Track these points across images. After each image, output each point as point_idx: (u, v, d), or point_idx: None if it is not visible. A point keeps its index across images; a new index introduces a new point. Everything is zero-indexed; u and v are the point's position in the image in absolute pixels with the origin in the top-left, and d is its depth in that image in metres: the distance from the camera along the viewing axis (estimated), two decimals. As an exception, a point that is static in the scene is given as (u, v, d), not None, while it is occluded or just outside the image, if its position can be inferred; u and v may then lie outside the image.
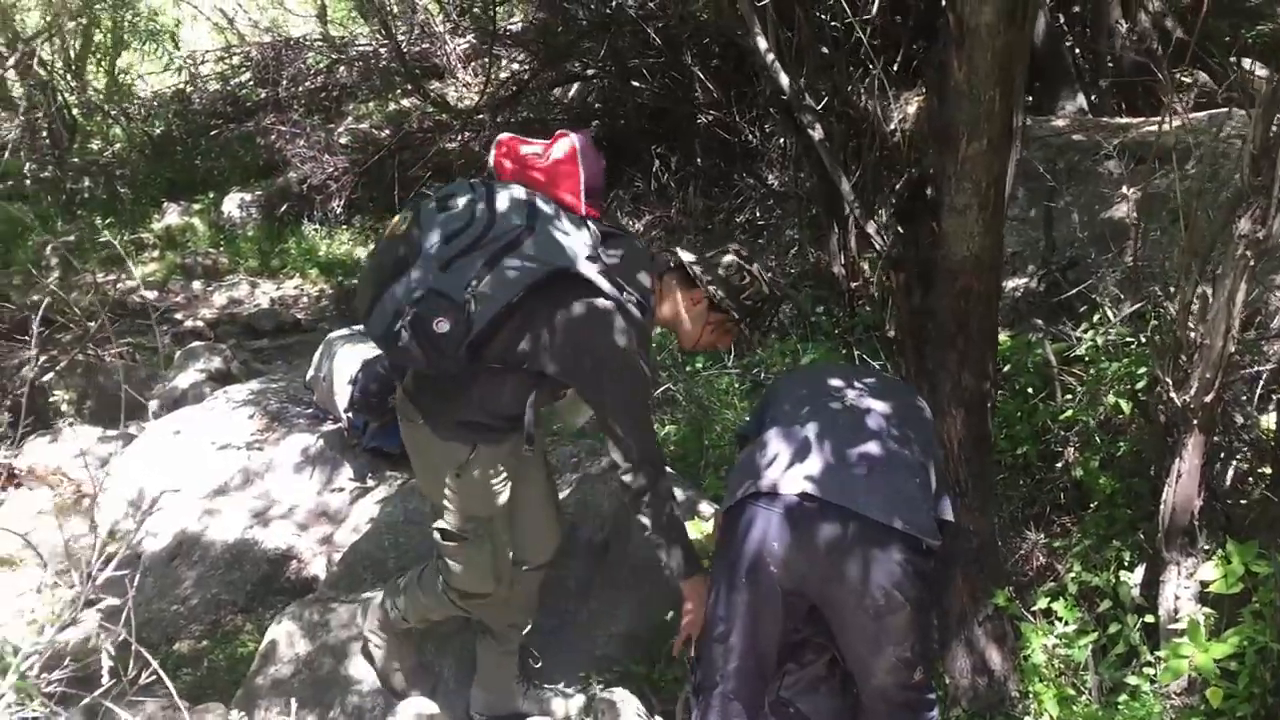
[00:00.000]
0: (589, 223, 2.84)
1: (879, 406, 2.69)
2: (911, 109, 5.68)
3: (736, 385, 4.91)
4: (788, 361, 4.77)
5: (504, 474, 2.87)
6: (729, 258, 2.94)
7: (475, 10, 10.48)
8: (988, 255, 3.04)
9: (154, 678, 2.30)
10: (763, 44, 4.15)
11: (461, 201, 2.69)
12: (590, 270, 2.70)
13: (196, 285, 9.42)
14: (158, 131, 11.93)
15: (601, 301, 2.69)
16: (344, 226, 10.19)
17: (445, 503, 2.89)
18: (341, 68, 11.06)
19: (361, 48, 11.14)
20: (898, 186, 3.83)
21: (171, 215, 10.73)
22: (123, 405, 4.99)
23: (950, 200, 2.97)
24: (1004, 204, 3.08)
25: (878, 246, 3.46)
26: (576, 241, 2.74)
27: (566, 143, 2.98)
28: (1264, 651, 2.62)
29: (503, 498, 2.90)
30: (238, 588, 4.34)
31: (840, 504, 2.36)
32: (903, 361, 3.45)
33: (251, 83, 11.57)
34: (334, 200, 9.99)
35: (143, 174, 11.41)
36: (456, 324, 2.55)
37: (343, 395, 4.72)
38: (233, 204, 10.82)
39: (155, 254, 10.03)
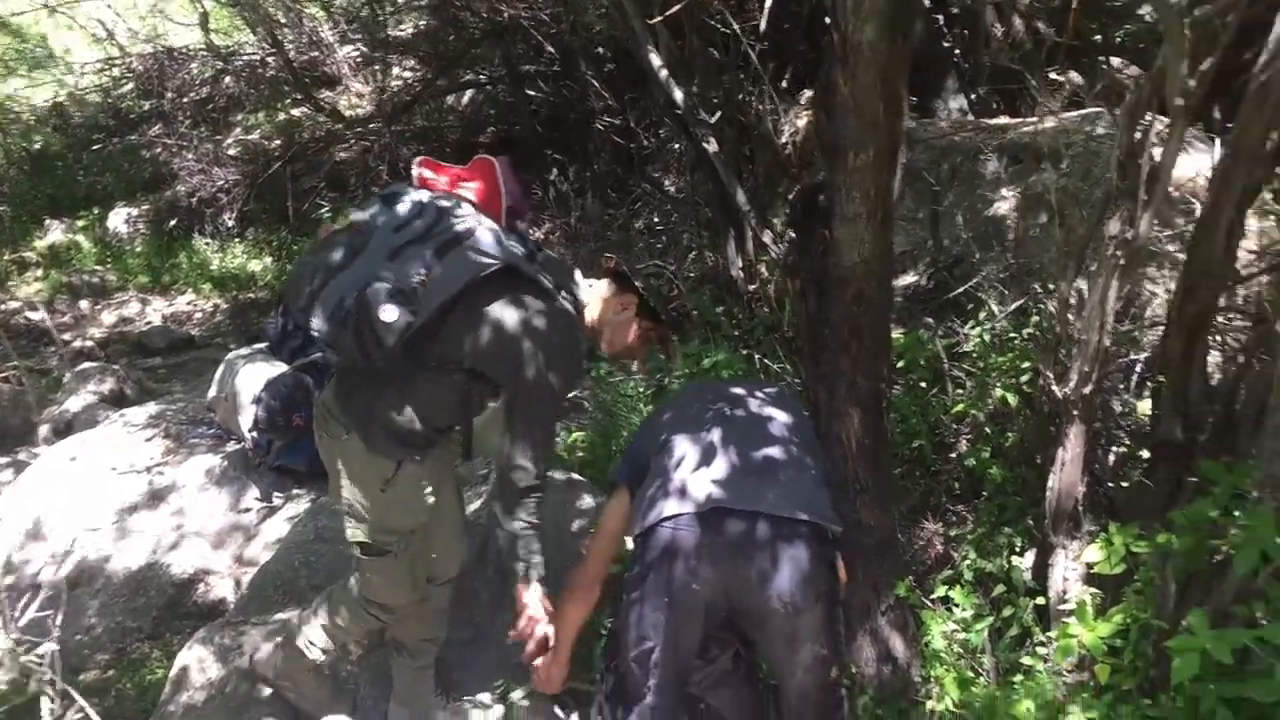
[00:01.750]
0: (517, 235, 2.94)
1: (776, 413, 2.79)
2: (802, 122, 5.82)
3: (642, 390, 4.98)
4: (691, 367, 4.84)
5: (429, 487, 2.88)
6: (655, 268, 3.05)
7: (364, 17, 10.38)
8: (878, 262, 3.16)
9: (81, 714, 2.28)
10: (655, 60, 4.23)
11: (408, 198, 2.75)
12: (531, 270, 2.77)
13: (84, 304, 9.16)
14: (36, 146, 11.54)
15: (544, 300, 2.74)
16: (237, 239, 10.00)
17: (367, 516, 2.87)
18: (227, 77, 10.83)
19: (248, 57, 10.92)
20: (791, 197, 3.93)
21: (54, 232, 10.42)
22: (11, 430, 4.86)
23: (841, 210, 3.08)
24: (892, 211, 3.20)
25: (774, 254, 3.57)
26: (514, 246, 2.82)
27: (487, 164, 3.06)
28: (1146, 627, 2.78)
29: (426, 511, 2.91)
30: (143, 614, 4.28)
31: (749, 509, 2.43)
32: (801, 364, 3.55)
33: (135, 94, 11.26)
34: (225, 213, 9.81)
35: (22, 191, 11.03)
36: (402, 313, 2.55)
37: (247, 415, 4.68)
38: (119, 219, 10.55)
39: (39, 273, 9.73)
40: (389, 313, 2.53)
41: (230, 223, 9.90)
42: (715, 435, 2.67)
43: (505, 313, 2.69)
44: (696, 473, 2.55)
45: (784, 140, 4.97)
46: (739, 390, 2.91)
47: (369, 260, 2.62)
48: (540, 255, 2.94)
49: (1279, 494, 2.61)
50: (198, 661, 3.46)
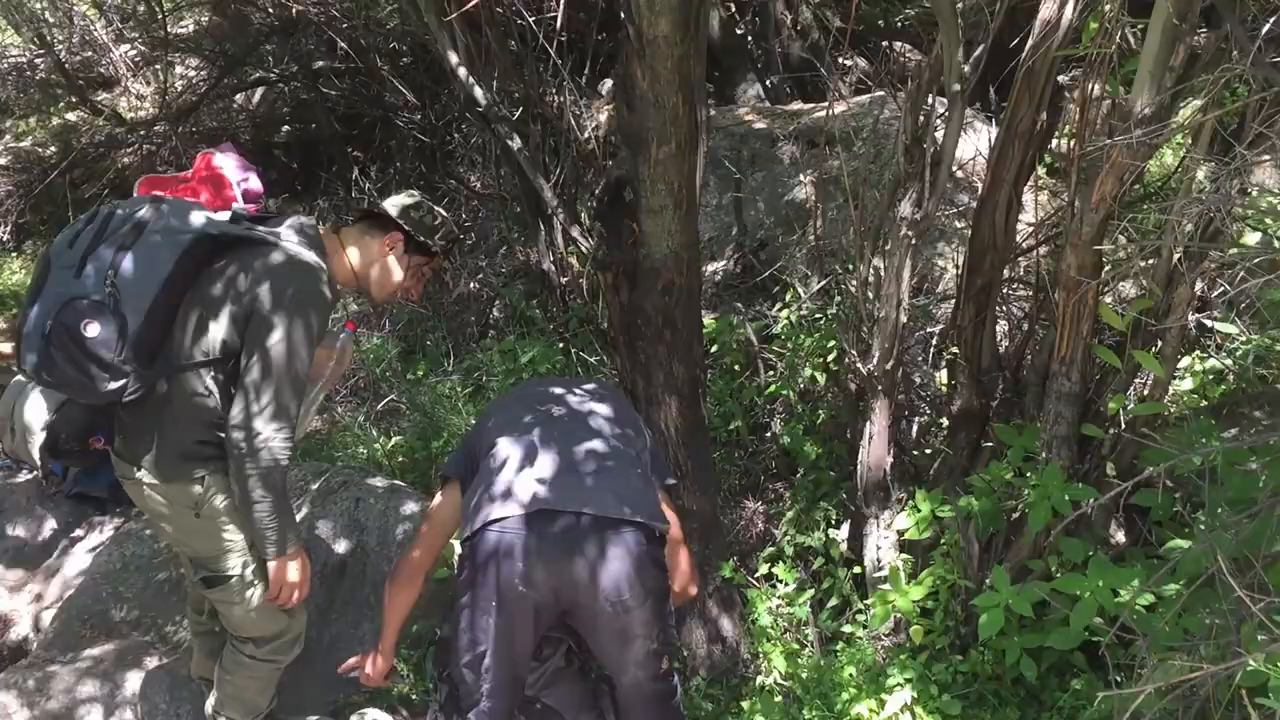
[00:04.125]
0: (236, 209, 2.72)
1: (597, 408, 2.80)
2: (604, 116, 5.85)
3: (460, 390, 4.92)
4: (509, 363, 4.83)
5: None
6: (412, 199, 2.89)
7: (139, 15, 9.83)
8: (686, 251, 3.22)
9: None
10: (454, 58, 4.17)
11: (85, 214, 2.55)
12: (240, 230, 2.57)
13: None
14: None
15: (269, 251, 2.54)
16: (14, 254, 9.34)
17: (196, 548, 2.70)
18: (-9, 82, 10.10)
19: (13, 59, 10.20)
20: (597, 191, 3.96)
21: None
22: None
23: (646, 202, 3.11)
24: (696, 201, 3.26)
25: (584, 248, 3.58)
26: (216, 216, 2.62)
27: (204, 157, 2.93)
28: (954, 588, 2.94)
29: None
30: (-67, 663, 3.97)
31: (573, 509, 2.43)
32: (618, 355, 3.58)
33: (-118, 103, 10.36)
34: (-1, 226, 9.15)
35: None
36: (105, 323, 2.37)
37: (37, 441, 4.39)
38: (-124, 238, 9.68)
39: None
40: (93, 328, 2.36)
41: (4, 237, 9.23)
42: (538, 436, 2.65)
43: (229, 283, 2.50)
44: (521, 474, 2.53)
45: (587, 135, 4.98)
46: (560, 389, 2.88)
47: (53, 283, 2.41)
48: (259, 217, 2.71)
49: (1064, 453, 2.81)
50: (1, 709, 3.23)
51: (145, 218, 2.49)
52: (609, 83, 6.75)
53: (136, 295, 2.42)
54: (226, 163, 3.37)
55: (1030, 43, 2.75)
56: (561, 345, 4.94)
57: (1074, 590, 2.48)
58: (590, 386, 2.95)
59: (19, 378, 4.67)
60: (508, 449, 2.62)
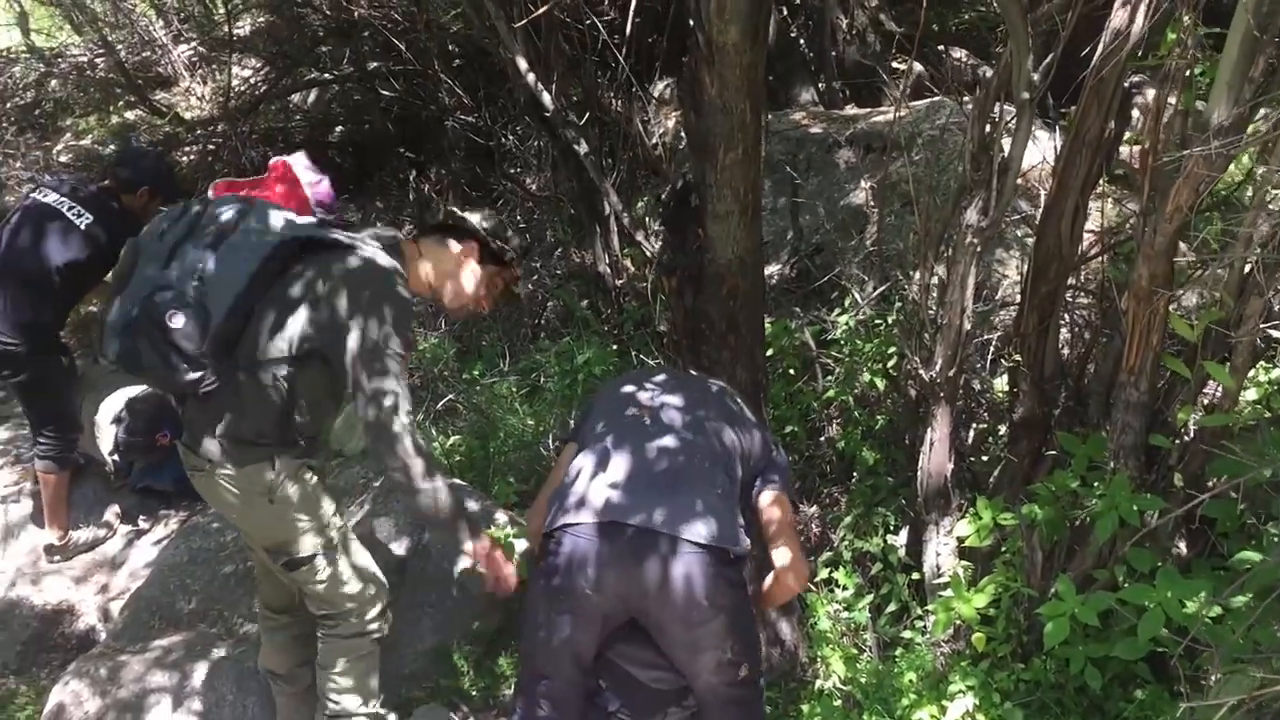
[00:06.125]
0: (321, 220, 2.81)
1: (676, 403, 2.77)
2: (670, 123, 5.88)
3: (515, 390, 4.97)
4: (564, 364, 4.86)
5: (312, 476, 2.75)
6: (482, 214, 2.97)
7: (198, 16, 9.99)
8: (750, 256, 3.24)
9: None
10: (523, 64, 4.22)
11: (173, 210, 2.62)
12: (324, 234, 2.64)
13: (-91, 325, 8.57)
14: None
15: (347, 255, 2.60)
16: (75, 249, 9.51)
17: (275, 535, 2.74)
18: (53, 80, 10.28)
19: (75, 58, 10.39)
20: (663, 196, 3.99)
21: None
22: None
23: (713, 207, 3.14)
24: (760, 207, 3.28)
25: (647, 253, 3.61)
26: (302, 220, 2.69)
27: (280, 164, 2.99)
28: (1016, 596, 2.93)
29: (323, 496, 2.78)
30: (6, 649, 4.11)
31: (647, 526, 2.42)
32: (679, 359, 3.61)
33: (-52, 101, 10.59)
34: (61, 222, 9.31)
35: None
36: (190, 317, 2.43)
37: (106, 436, 4.50)
38: (-60, 233, 9.90)
39: None
40: (178, 319, 2.42)
41: (67, 231, 9.40)
42: (629, 441, 2.63)
43: (309, 286, 2.56)
44: (606, 480, 2.51)
45: (654, 141, 5.01)
46: (672, 396, 2.83)
47: (141, 274, 2.50)
48: (335, 223, 2.79)
49: (1131, 463, 2.80)
50: (73, 696, 3.33)
51: (232, 218, 2.55)
52: (661, 84, 6.78)
53: (221, 292, 2.48)
54: (300, 169, 3.46)
55: (1100, 52, 2.74)
56: (616, 347, 4.96)
57: (1142, 601, 2.47)
58: (698, 388, 2.92)
59: (91, 371, 4.79)
60: (601, 451, 2.61)
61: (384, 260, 2.64)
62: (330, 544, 2.80)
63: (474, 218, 2.96)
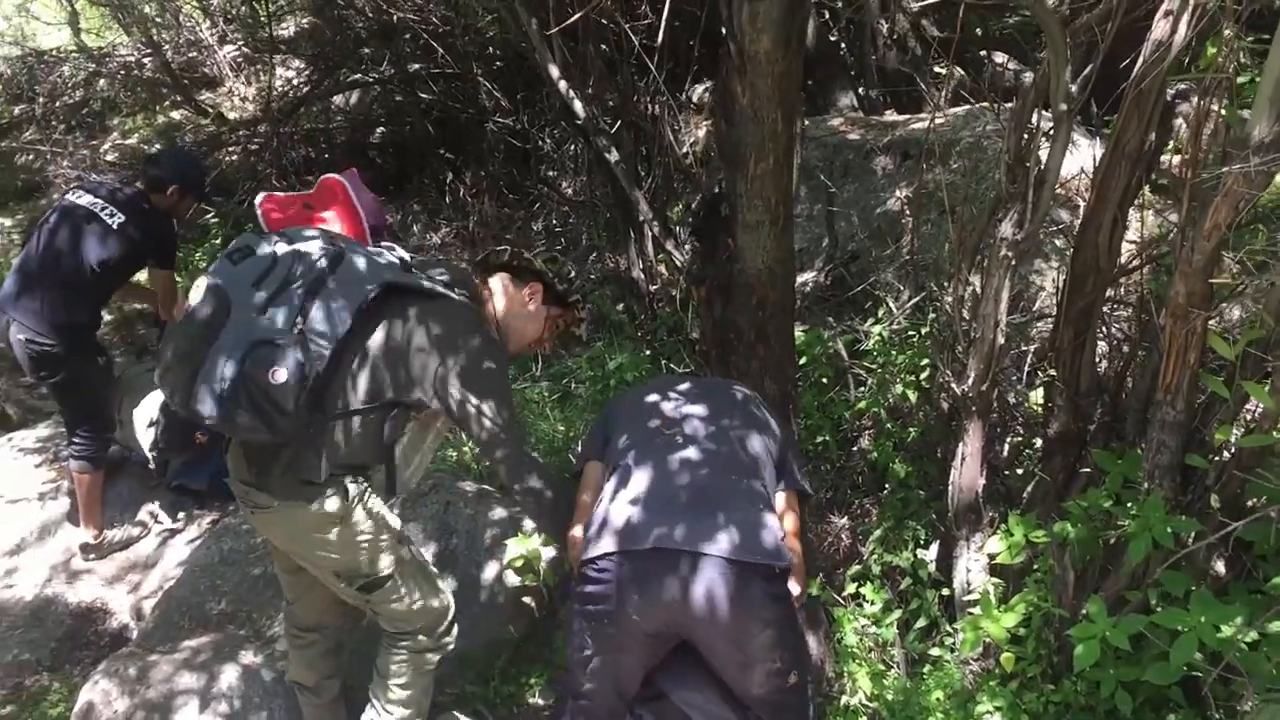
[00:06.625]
0: (385, 248, 2.78)
1: (700, 412, 2.74)
2: (701, 132, 5.86)
3: (547, 395, 4.96)
4: (596, 370, 4.85)
5: (375, 497, 2.71)
6: (550, 258, 3.00)
7: (242, 17, 10.10)
8: (781, 267, 3.21)
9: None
10: (554, 71, 4.21)
11: (260, 249, 2.52)
12: (413, 280, 2.64)
13: (-44, 322, 8.73)
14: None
15: (438, 304, 2.62)
16: (119, 247, 9.64)
17: (352, 560, 2.69)
18: (101, 80, 10.43)
19: (122, 58, 10.54)
20: (693, 205, 3.97)
21: (-80, 247, 9.91)
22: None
23: (743, 217, 3.12)
24: (791, 217, 3.25)
25: (678, 262, 3.60)
26: (387, 261, 2.66)
27: (335, 186, 2.97)
28: (1047, 615, 2.88)
29: (389, 516, 2.76)
30: (40, 646, 4.14)
31: (689, 549, 2.39)
32: (708, 368, 3.59)
33: (2, 99, 10.78)
34: (106, 220, 9.43)
35: (-119, 202, 10.47)
36: (292, 369, 2.35)
37: (145, 437, 4.54)
38: (-9, 230, 10.08)
39: (-99, 289, 9.24)
40: (280, 374, 2.34)
41: (112, 229, 9.53)
42: (664, 461, 2.61)
43: (406, 335, 2.57)
44: (643, 505, 2.48)
45: (685, 150, 4.99)
46: (696, 406, 2.81)
47: (236, 325, 2.40)
48: (415, 261, 2.78)
49: (1166, 483, 2.74)
50: (103, 695, 3.35)
51: (326, 265, 2.51)
52: (699, 89, 6.76)
53: (324, 341, 2.44)
54: (354, 190, 3.44)
55: (1140, 63, 2.69)
56: (649, 354, 4.94)
57: (1176, 625, 2.41)
58: (722, 394, 2.90)
59: (130, 372, 4.84)
60: (634, 472, 2.58)
61: (466, 306, 2.68)
62: (403, 561, 2.80)
63: (536, 257, 2.97)
